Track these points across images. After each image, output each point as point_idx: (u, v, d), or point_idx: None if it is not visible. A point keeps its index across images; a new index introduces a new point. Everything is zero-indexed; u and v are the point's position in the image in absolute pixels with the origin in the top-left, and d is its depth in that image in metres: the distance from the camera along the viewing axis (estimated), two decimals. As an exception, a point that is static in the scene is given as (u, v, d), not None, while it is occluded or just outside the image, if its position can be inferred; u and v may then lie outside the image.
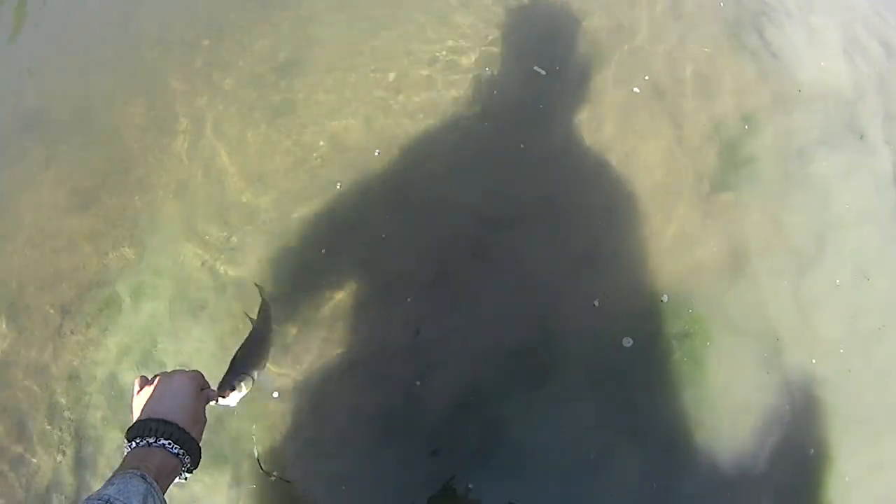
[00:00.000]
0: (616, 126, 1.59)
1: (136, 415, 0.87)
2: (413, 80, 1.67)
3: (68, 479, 1.50)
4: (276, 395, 1.31)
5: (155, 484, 0.73)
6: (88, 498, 0.66)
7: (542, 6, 1.82)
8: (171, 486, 0.81)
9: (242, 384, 1.04)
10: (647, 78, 1.66)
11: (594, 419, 1.31)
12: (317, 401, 1.29)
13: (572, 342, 1.36)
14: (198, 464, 0.86)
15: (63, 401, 1.57)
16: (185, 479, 0.85)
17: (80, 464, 1.50)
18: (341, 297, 1.39)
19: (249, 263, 1.51)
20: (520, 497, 1.25)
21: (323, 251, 1.47)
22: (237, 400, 1.04)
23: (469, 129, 1.57)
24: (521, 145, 1.50)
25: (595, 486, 1.29)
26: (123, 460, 0.78)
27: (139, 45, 1.97)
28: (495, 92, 1.59)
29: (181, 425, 0.83)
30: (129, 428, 0.84)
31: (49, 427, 1.55)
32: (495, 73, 1.63)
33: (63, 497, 1.47)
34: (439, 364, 1.30)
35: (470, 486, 1.24)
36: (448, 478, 1.25)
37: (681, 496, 1.33)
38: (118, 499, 0.66)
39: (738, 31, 1.90)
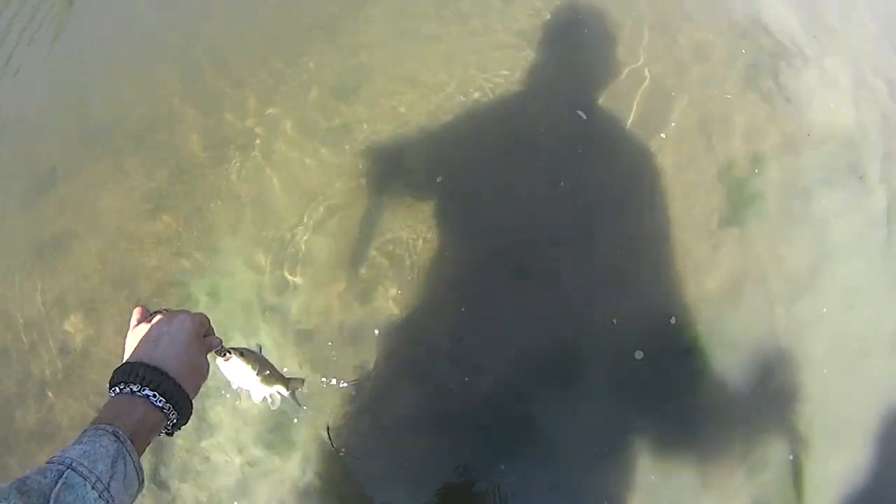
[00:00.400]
0: (643, 166, 1.86)
1: (126, 353, 0.81)
2: (464, 110, 1.93)
3: (146, 455, 1.78)
4: (353, 392, 1.60)
5: (129, 443, 0.68)
6: (49, 461, 0.62)
7: (576, 48, 2.07)
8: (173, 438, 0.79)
9: (249, 360, 0.96)
10: (673, 125, 1.92)
11: (608, 419, 1.61)
12: (381, 392, 1.59)
13: (593, 352, 1.66)
14: (187, 420, 0.80)
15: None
16: (170, 434, 0.80)
17: (158, 443, 1.73)
18: (399, 305, 1.69)
19: (313, 272, 1.80)
20: (542, 478, 1.56)
21: (381, 265, 1.76)
22: (231, 373, 0.96)
23: (517, 162, 1.85)
24: (562, 183, 1.78)
25: (605, 474, 1.60)
26: (103, 408, 0.73)
27: (199, 66, 2.19)
28: (542, 130, 1.86)
29: (172, 375, 0.77)
30: (116, 370, 0.77)
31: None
32: (541, 112, 1.90)
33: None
34: (481, 366, 1.60)
35: (502, 467, 1.55)
36: (485, 460, 1.56)
37: (672, 490, 1.64)
38: (81, 463, 0.61)
39: (756, 74, 2.15)
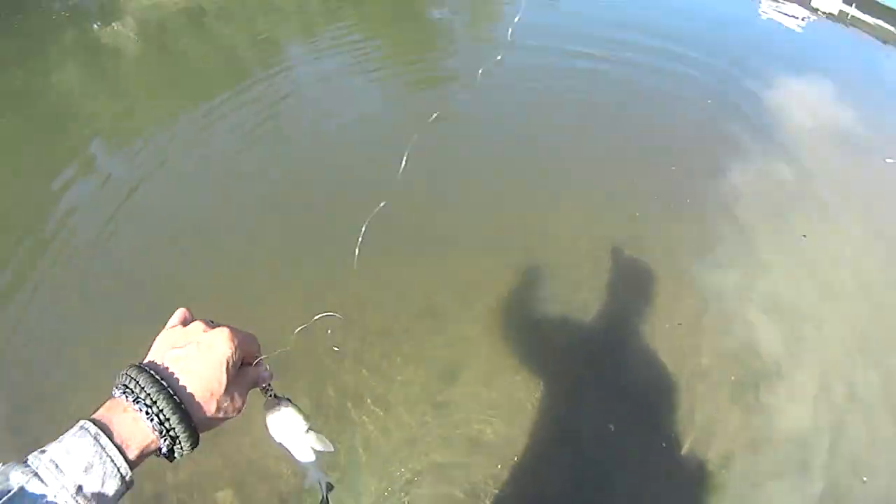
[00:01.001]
0: (652, 467, 3.09)
1: (150, 352, 0.77)
2: (537, 411, 3.23)
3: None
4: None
5: (112, 446, 0.66)
6: (24, 461, 0.62)
7: (612, 369, 3.30)
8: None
9: (299, 410, 0.89)
10: (664, 445, 3.12)
11: None
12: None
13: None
14: (191, 450, 0.73)
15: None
16: (170, 459, 0.73)
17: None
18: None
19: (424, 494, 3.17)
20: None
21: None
22: (274, 423, 0.87)
23: (564, 456, 3.14)
24: (601, 490, 3.07)
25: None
26: (108, 401, 0.71)
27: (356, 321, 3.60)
28: (583, 431, 3.15)
29: (181, 398, 0.70)
30: (127, 368, 0.72)
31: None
32: (583, 417, 3.18)
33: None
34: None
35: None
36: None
37: None
38: (48, 469, 0.61)
39: (742, 392, 3.27)
